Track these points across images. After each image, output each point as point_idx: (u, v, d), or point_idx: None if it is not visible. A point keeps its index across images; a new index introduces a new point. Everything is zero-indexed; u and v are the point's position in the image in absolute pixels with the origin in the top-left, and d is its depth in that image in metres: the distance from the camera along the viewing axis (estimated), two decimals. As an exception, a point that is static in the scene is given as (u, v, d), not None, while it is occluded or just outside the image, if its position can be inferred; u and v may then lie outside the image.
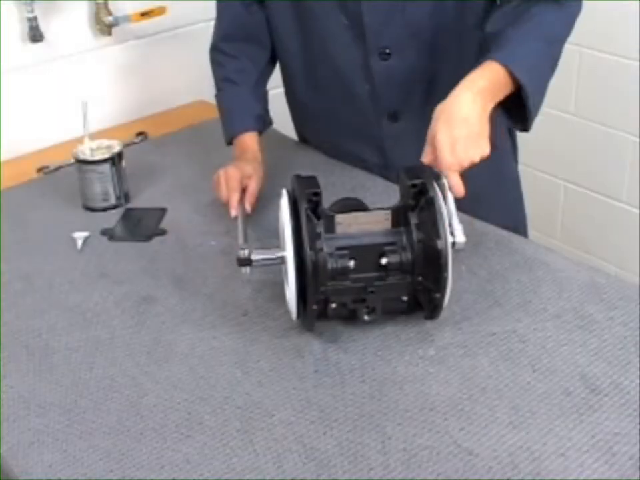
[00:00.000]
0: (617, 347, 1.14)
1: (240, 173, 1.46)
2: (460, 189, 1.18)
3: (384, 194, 1.47)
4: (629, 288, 1.25)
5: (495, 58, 1.25)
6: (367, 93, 1.51)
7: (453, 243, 1.12)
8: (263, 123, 1.60)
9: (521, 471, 0.95)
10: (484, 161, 1.23)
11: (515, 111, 1.32)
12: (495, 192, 1.58)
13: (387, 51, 1.45)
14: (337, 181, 1.57)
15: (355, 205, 1.23)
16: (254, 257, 1.17)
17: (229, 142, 1.59)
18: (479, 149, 1.21)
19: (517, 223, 1.58)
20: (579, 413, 1.03)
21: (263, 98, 1.62)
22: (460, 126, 1.19)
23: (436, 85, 1.47)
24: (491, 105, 1.23)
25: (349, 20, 1.45)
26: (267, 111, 1.62)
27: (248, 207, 1.44)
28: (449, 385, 1.09)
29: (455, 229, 1.13)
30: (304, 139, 1.76)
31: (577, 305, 1.22)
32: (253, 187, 1.46)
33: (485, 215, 1.43)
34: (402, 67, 1.47)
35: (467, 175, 1.20)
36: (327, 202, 1.18)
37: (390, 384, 1.09)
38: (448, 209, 1.14)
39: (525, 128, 1.35)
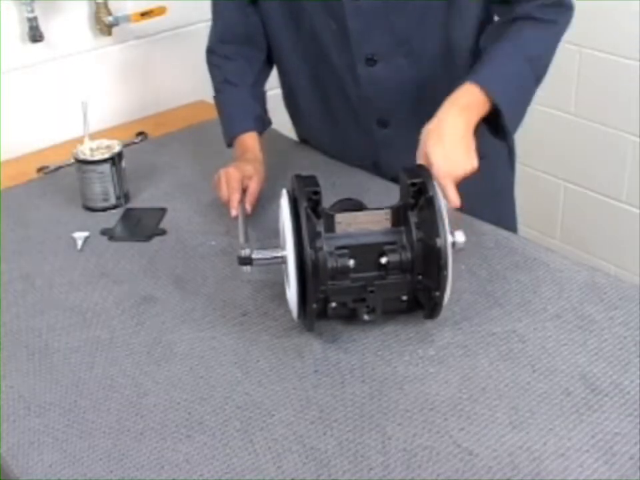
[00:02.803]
0: (616, 347, 1.14)
1: (241, 173, 1.46)
2: (456, 199, 1.21)
3: (384, 194, 1.47)
4: (629, 288, 1.25)
5: (473, 80, 1.31)
6: (357, 98, 1.52)
7: (453, 243, 1.12)
8: (262, 123, 1.60)
9: (521, 471, 0.95)
10: (477, 174, 1.26)
11: (495, 123, 1.36)
12: (487, 202, 1.57)
13: (374, 57, 1.45)
14: (337, 181, 1.57)
15: (354, 206, 1.23)
16: (255, 256, 1.17)
17: (229, 144, 1.59)
18: (468, 160, 1.26)
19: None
20: (579, 413, 1.03)
21: (261, 98, 1.62)
22: (450, 140, 1.26)
23: (425, 93, 1.47)
24: (475, 120, 1.30)
25: (336, 24, 1.45)
26: (265, 111, 1.63)
27: (248, 207, 1.44)
28: (448, 385, 1.09)
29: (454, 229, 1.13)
30: (303, 139, 1.77)
31: (576, 305, 1.22)
32: (253, 187, 1.46)
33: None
34: (389, 74, 1.47)
35: (461, 187, 1.23)
36: (328, 202, 1.19)
37: (390, 384, 1.09)
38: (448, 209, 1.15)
39: (505, 140, 1.41)
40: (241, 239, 1.26)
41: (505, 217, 1.64)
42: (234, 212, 1.41)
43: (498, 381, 1.09)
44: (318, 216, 1.12)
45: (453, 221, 1.16)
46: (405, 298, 1.15)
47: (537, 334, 1.17)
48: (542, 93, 2.40)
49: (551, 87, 2.41)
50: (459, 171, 1.25)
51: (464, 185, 1.23)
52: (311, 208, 1.11)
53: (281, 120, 1.71)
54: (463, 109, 1.29)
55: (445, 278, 1.10)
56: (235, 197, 1.43)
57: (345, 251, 1.12)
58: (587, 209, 2.43)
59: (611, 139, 2.28)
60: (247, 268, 1.18)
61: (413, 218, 1.13)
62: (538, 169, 2.48)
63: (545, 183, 2.48)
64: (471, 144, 1.27)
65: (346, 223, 1.15)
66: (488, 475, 0.95)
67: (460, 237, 1.13)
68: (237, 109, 1.59)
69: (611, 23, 2.15)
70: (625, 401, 1.04)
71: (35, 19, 1.78)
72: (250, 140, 1.56)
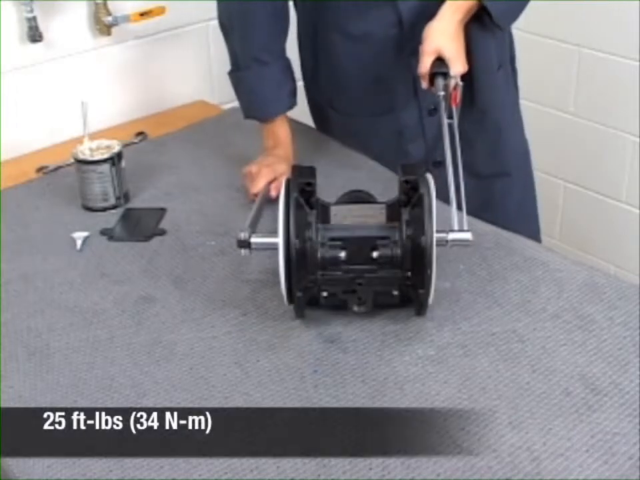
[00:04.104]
0: (616, 346, 1.14)
1: (273, 173, 1.50)
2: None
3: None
4: (629, 288, 1.25)
5: None
6: (396, 37, 1.55)
7: (447, 241, 1.15)
8: (294, 96, 1.62)
9: (521, 471, 0.95)
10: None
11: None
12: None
13: None
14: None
15: (361, 198, 1.26)
16: (253, 240, 1.19)
17: (250, 117, 1.61)
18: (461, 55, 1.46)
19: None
20: (579, 413, 1.03)
21: (290, 68, 1.61)
22: (457, 40, 1.44)
23: None
24: (466, 18, 1.47)
25: None
26: (294, 79, 1.62)
27: (274, 192, 1.45)
28: (448, 385, 1.09)
29: (453, 225, 1.17)
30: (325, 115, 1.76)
31: (576, 305, 1.22)
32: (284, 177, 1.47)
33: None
34: (428, 6, 1.49)
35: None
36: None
37: (390, 384, 1.09)
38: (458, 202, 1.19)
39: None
40: (247, 222, 1.27)
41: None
42: (255, 190, 1.47)
43: (498, 381, 1.09)
44: (311, 207, 1.14)
45: (459, 218, 1.18)
46: (395, 293, 1.17)
47: (536, 334, 1.17)
48: (541, 93, 2.40)
49: (550, 87, 2.42)
50: (466, 65, 1.45)
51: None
52: (304, 199, 1.14)
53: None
54: (460, 19, 1.45)
55: (429, 277, 1.11)
56: (261, 184, 1.48)
57: (338, 242, 1.14)
58: (587, 209, 2.43)
59: (610, 139, 2.28)
60: (245, 251, 1.20)
61: (404, 215, 1.15)
62: (537, 168, 2.47)
63: (545, 182, 2.47)
64: (463, 43, 1.46)
65: (341, 215, 1.18)
66: (488, 475, 0.95)
67: (457, 234, 1.16)
68: (269, 88, 1.59)
69: (610, 23, 2.15)
70: (624, 401, 1.04)
71: (34, 18, 1.77)
72: (282, 130, 1.59)
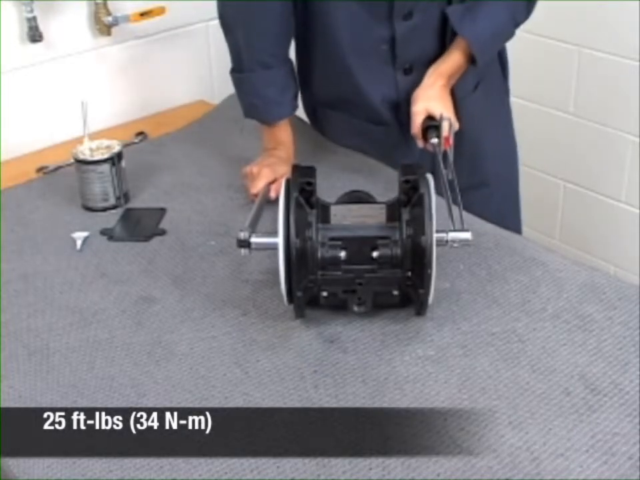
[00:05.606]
0: (616, 347, 1.14)
1: (273, 174, 1.50)
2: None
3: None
4: (628, 288, 1.25)
5: (465, 38, 1.51)
6: (386, 52, 1.55)
7: (447, 241, 1.15)
8: (297, 99, 1.61)
9: (521, 471, 0.96)
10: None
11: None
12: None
13: (410, 11, 1.51)
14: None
15: (361, 198, 1.26)
16: (253, 240, 1.19)
17: (249, 117, 1.61)
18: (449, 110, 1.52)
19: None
20: (579, 413, 1.03)
21: (293, 71, 1.61)
22: (442, 100, 1.51)
23: (448, 35, 1.54)
24: (453, 81, 1.54)
25: None
26: (297, 83, 1.62)
27: (273, 194, 1.45)
28: (448, 385, 1.09)
29: (453, 224, 1.17)
30: (315, 116, 1.76)
31: (576, 305, 1.22)
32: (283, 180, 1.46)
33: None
34: (422, 26, 1.52)
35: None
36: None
37: (390, 384, 1.09)
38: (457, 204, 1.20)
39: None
40: (247, 221, 1.27)
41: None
42: (254, 191, 1.47)
43: (498, 381, 1.09)
44: (312, 206, 1.14)
45: (457, 217, 1.18)
46: (396, 293, 1.17)
47: (536, 334, 1.17)
48: (541, 93, 2.40)
49: (550, 87, 2.42)
50: (456, 122, 1.50)
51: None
52: (304, 198, 1.14)
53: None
54: (445, 83, 1.52)
55: (429, 277, 1.11)
56: (261, 184, 1.48)
57: (338, 242, 1.15)
58: (587, 209, 2.43)
59: (610, 139, 2.28)
60: (245, 251, 1.20)
61: (405, 214, 1.15)
62: (537, 168, 2.48)
63: (545, 182, 2.47)
64: (450, 102, 1.52)
65: (341, 215, 1.18)
66: (488, 475, 0.95)
67: (457, 234, 1.16)
68: (273, 92, 1.57)
69: (610, 23, 2.15)
70: (624, 401, 1.04)
71: (35, 19, 1.77)
72: (284, 133, 1.59)
